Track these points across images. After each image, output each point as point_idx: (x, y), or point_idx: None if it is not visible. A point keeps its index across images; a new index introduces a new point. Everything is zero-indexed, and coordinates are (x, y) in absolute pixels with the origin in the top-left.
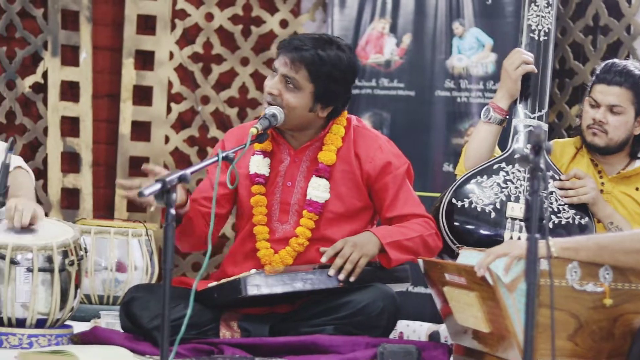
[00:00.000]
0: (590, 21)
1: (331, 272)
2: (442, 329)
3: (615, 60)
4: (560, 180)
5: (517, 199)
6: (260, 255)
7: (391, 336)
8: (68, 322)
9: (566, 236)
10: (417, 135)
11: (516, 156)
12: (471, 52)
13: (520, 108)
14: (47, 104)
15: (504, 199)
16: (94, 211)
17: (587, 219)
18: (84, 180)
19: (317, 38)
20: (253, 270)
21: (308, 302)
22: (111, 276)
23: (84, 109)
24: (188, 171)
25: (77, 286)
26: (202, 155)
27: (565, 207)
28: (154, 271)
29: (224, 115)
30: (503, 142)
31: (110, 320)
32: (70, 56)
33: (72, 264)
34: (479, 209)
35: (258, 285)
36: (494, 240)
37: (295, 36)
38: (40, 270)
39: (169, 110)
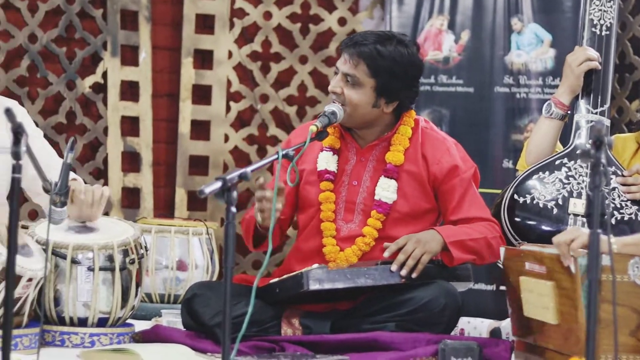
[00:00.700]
0: None
1: (393, 267)
2: (504, 325)
3: None
4: (622, 176)
5: (579, 195)
6: (325, 252)
7: (452, 333)
8: (129, 321)
9: (629, 232)
10: (476, 132)
11: (578, 152)
12: (530, 47)
13: (582, 103)
14: (107, 103)
15: (566, 194)
16: (154, 210)
17: None
18: (145, 180)
19: (378, 34)
20: (315, 265)
21: (369, 299)
22: (172, 275)
23: (143, 109)
24: (248, 169)
25: (138, 285)
26: (262, 153)
27: (628, 203)
28: (215, 270)
29: (283, 113)
30: (565, 138)
31: (171, 318)
32: (129, 56)
33: (132, 262)
34: (541, 205)
35: (320, 279)
36: None
37: (356, 34)
38: (101, 269)
39: (228, 109)
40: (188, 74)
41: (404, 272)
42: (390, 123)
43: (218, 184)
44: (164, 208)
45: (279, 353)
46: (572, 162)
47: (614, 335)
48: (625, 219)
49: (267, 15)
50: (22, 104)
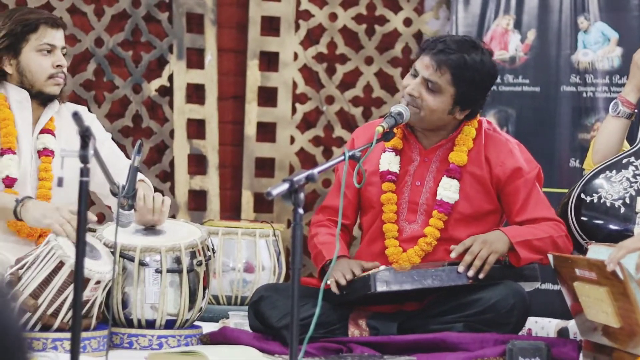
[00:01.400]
0: None
1: (460, 268)
2: (571, 325)
3: None
4: None
5: None
6: (388, 253)
7: (519, 333)
8: (197, 323)
9: None
10: (542, 131)
11: None
12: (597, 46)
13: None
14: (173, 106)
15: (633, 193)
16: (221, 212)
17: None
18: (211, 182)
19: (462, 41)
20: (382, 267)
21: (437, 299)
22: (239, 277)
23: (209, 111)
24: (315, 171)
25: (205, 287)
26: (328, 155)
27: None
28: (282, 271)
29: (348, 114)
30: (632, 136)
31: (238, 320)
32: (195, 59)
33: (200, 264)
34: (608, 204)
35: (387, 281)
36: (624, 236)
37: (439, 37)
38: (168, 271)
39: (294, 110)
40: (254, 76)
41: (471, 273)
42: (455, 126)
43: (285, 186)
44: (231, 210)
45: (346, 354)
46: (639, 160)
47: None
48: None
49: (333, 17)
50: (89, 107)
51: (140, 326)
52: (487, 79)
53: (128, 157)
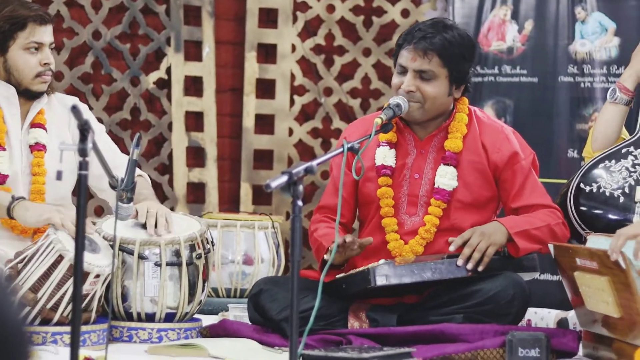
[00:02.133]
0: None
1: (459, 261)
2: (571, 315)
3: None
4: None
5: None
6: (390, 248)
7: (519, 324)
8: (196, 316)
9: None
10: (540, 122)
11: None
12: (594, 36)
13: None
14: (171, 99)
15: (632, 183)
16: (219, 205)
17: None
18: (209, 175)
19: (434, 24)
20: (382, 261)
21: (436, 291)
22: (238, 269)
23: (207, 104)
24: (314, 163)
25: (204, 280)
26: (326, 146)
27: None
28: (281, 263)
29: (347, 106)
30: (630, 126)
31: (238, 312)
32: (193, 51)
33: (199, 257)
34: (607, 194)
35: (387, 275)
36: (623, 225)
37: (411, 29)
38: (168, 264)
39: (292, 102)
40: (252, 69)
41: (470, 266)
42: (449, 112)
43: (284, 178)
44: (229, 203)
45: (346, 346)
46: (639, 150)
47: None
48: None
49: (330, 8)
50: (86, 100)
51: (140, 319)
52: (471, 49)
53: (126, 150)
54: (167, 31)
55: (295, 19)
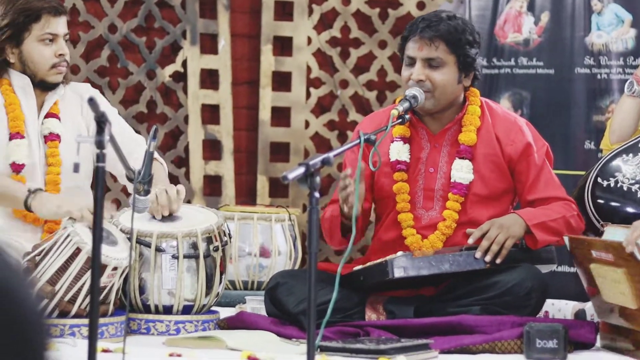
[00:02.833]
0: None
1: (478, 254)
2: (588, 307)
3: None
4: None
5: None
6: (408, 243)
7: (537, 316)
8: (214, 308)
9: None
10: (557, 114)
11: None
12: (610, 28)
13: None
14: (187, 92)
15: None
16: (236, 197)
17: None
18: (226, 167)
19: (435, 13)
20: (400, 253)
21: (454, 283)
22: (255, 262)
23: (223, 97)
24: (331, 154)
25: (222, 272)
26: (342, 139)
27: None
28: (298, 256)
29: (363, 98)
30: None
31: (255, 305)
32: (209, 44)
33: (216, 249)
34: (625, 188)
35: (405, 267)
36: None
37: (415, 21)
38: (185, 256)
39: (308, 95)
40: (268, 61)
41: (488, 258)
42: (460, 104)
43: (301, 170)
44: (246, 195)
45: (363, 337)
46: None
47: None
48: None
49: (346, 1)
50: (103, 93)
51: (157, 312)
52: (475, 35)
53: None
54: (182, 24)
55: (310, 12)
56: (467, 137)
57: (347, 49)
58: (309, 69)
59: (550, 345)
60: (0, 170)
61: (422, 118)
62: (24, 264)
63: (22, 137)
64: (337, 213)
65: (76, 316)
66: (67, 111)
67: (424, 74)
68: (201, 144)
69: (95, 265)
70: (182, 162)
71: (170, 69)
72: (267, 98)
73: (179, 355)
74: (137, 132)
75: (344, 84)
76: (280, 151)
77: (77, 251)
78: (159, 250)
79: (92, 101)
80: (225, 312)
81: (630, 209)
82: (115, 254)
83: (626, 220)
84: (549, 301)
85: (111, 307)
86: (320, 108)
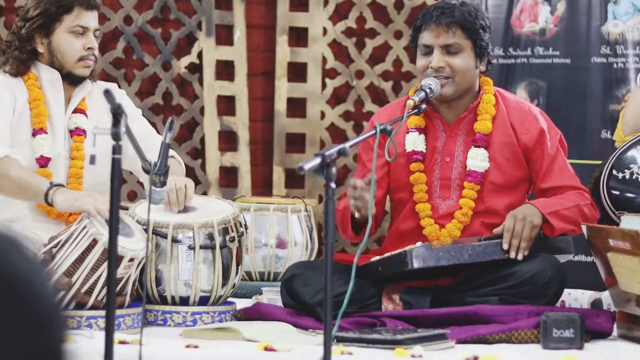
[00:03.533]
0: None
1: (505, 246)
2: (605, 296)
3: None
4: None
5: None
6: (426, 233)
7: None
8: (230, 299)
9: None
10: (574, 103)
11: None
12: (627, 17)
13: None
14: (202, 83)
15: None
16: (252, 188)
17: None
18: (242, 159)
19: (445, 1)
20: (419, 243)
21: (472, 273)
22: (271, 252)
23: (239, 88)
24: (347, 145)
25: (238, 263)
26: (358, 129)
27: None
28: (314, 247)
29: (379, 89)
30: None
31: (271, 296)
32: (224, 35)
33: (232, 240)
34: None
35: (424, 258)
36: None
37: (426, 10)
38: (201, 247)
39: (323, 85)
40: (283, 52)
41: (520, 256)
42: (475, 92)
43: (317, 160)
44: (262, 186)
45: (380, 328)
46: None
47: None
48: None
49: None
50: (119, 85)
51: (174, 303)
52: (487, 20)
53: (159, 134)
54: (198, 15)
55: (326, 2)
56: (482, 126)
57: (363, 39)
58: (324, 60)
59: (567, 335)
60: (25, 165)
61: (436, 108)
62: (41, 256)
63: (45, 132)
64: (347, 205)
65: (93, 308)
66: (94, 108)
67: (443, 60)
68: (217, 135)
69: (112, 256)
70: (198, 153)
71: (185, 61)
72: (283, 89)
73: (196, 347)
74: (153, 123)
75: (360, 74)
76: (296, 142)
77: (94, 243)
78: (175, 241)
79: (107, 92)
80: (241, 303)
81: None
82: (132, 245)
83: None
84: (565, 291)
85: (128, 298)
86: (336, 99)
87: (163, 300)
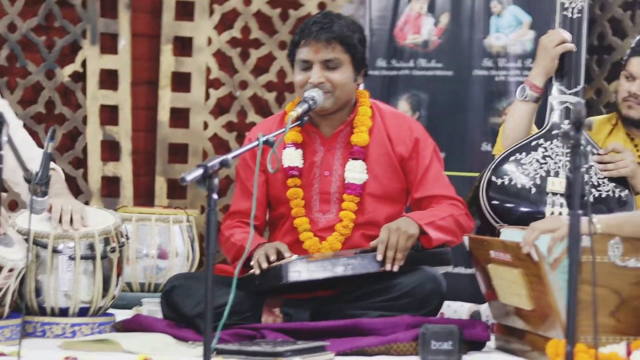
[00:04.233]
0: None
1: (379, 256)
2: (483, 308)
3: None
4: (598, 154)
5: (556, 174)
6: (306, 247)
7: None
8: (110, 310)
9: (606, 210)
10: (455, 115)
11: (554, 132)
12: (509, 30)
13: (556, 85)
14: (86, 92)
15: (543, 174)
16: (134, 199)
17: (626, 191)
18: (124, 168)
19: (324, 14)
20: (295, 257)
21: (350, 285)
22: (153, 263)
23: (122, 97)
24: (229, 156)
25: (119, 274)
26: (241, 140)
27: (605, 180)
28: (195, 257)
29: (262, 99)
30: (539, 120)
31: (152, 307)
32: (109, 44)
33: (113, 250)
34: (518, 186)
35: (299, 271)
36: (534, 218)
37: (305, 24)
38: (82, 258)
39: (207, 96)
40: (167, 62)
41: (395, 268)
42: (352, 105)
43: (199, 171)
44: (144, 196)
45: (259, 340)
46: (548, 142)
47: (593, 317)
48: (603, 196)
49: (247, 1)
50: (1, 94)
51: (53, 314)
52: (363, 33)
53: (41, 144)
54: (83, 23)
55: (211, 12)
56: (359, 138)
57: (247, 49)
58: (208, 70)
59: (445, 347)
60: None
61: (314, 122)
62: None
63: None
64: (242, 243)
65: None
66: None
67: (323, 76)
68: (99, 145)
69: None
70: (80, 163)
71: (69, 69)
72: (166, 99)
73: (75, 359)
74: (35, 132)
75: (244, 85)
76: (178, 152)
77: None
78: (55, 251)
79: None
80: (121, 315)
81: (523, 208)
82: (12, 255)
83: (520, 219)
84: (445, 303)
85: (7, 309)
86: (220, 109)
87: (42, 312)
